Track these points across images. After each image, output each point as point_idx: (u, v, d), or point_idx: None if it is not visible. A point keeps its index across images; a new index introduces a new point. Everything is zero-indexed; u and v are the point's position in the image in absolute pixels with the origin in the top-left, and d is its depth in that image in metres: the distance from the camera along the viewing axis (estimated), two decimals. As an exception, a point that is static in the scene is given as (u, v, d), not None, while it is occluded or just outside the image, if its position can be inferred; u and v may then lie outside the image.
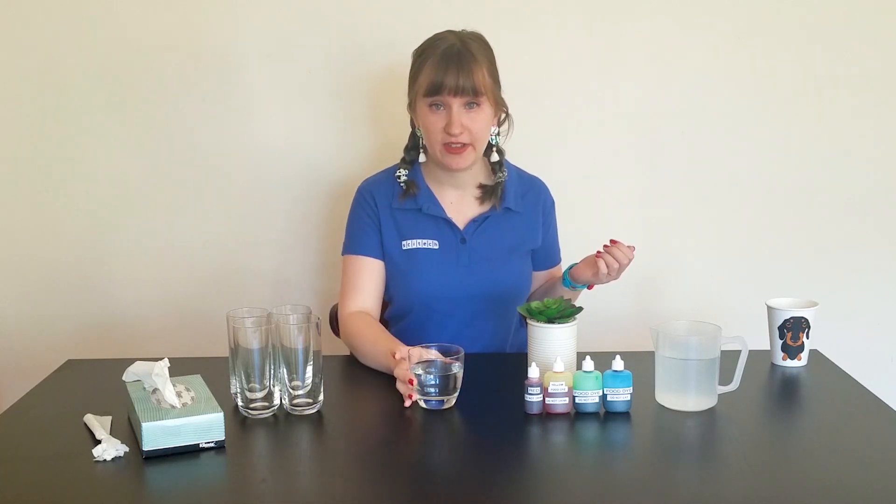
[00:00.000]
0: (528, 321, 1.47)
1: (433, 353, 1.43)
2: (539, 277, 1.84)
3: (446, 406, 1.39)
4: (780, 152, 2.16)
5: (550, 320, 1.45)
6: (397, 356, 1.43)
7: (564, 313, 1.46)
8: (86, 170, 2.15)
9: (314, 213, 2.17)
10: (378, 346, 1.56)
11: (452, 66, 1.58)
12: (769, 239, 2.20)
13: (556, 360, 1.37)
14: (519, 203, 1.75)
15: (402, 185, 1.71)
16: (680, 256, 2.21)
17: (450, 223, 1.71)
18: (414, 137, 1.74)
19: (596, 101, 2.13)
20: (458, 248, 1.71)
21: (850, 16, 2.09)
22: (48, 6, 2.06)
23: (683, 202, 2.19)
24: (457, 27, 1.67)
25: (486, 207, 1.73)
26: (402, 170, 1.73)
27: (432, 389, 1.38)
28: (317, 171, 2.16)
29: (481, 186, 1.73)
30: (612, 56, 2.11)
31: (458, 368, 1.39)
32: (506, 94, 1.70)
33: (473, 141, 1.62)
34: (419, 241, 1.70)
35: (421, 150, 1.72)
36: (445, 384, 1.38)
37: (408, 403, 1.39)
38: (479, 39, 1.66)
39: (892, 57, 2.12)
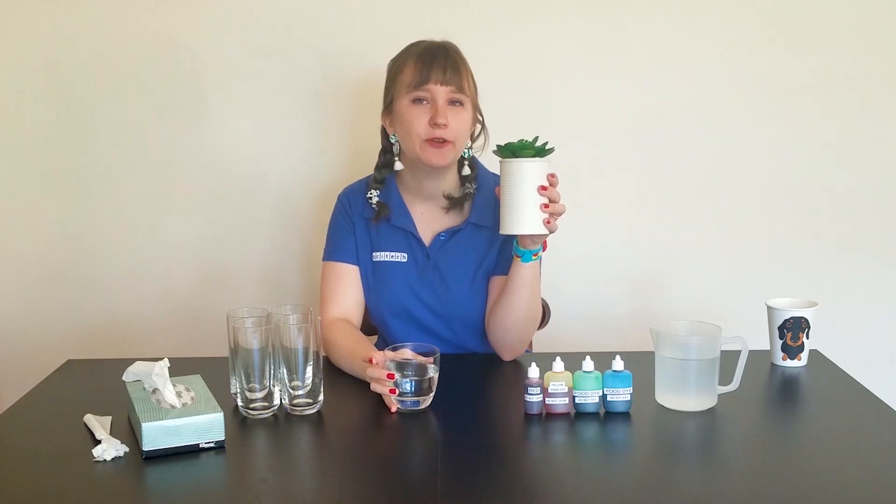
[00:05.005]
0: (500, 160, 1.46)
1: (408, 354, 1.41)
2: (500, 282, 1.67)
3: (422, 406, 1.38)
4: (781, 152, 2.16)
5: (515, 154, 1.44)
6: (373, 361, 1.40)
7: (536, 150, 1.44)
8: (85, 170, 2.15)
9: (315, 213, 2.17)
10: (354, 354, 1.53)
11: (438, 59, 1.59)
12: (769, 239, 2.20)
13: (556, 360, 1.37)
14: (488, 218, 1.66)
15: (373, 206, 1.69)
16: (680, 256, 2.21)
17: (417, 237, 1.69)
18: (384, 154, 1.70)
19: (596, 100, 2.13)
20: (424, 262, 1.68)
21: (849, 18, 2.09)
22: (50, 9, 2.06)
23: (683, 202, 2.19)
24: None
25: (451, 220, 1.69)
26: (373, 190, 1.70)
27: (408, 389, 1.37)
28: (317, 171, 2.16)
29: (448, 198, 1.69)
30: (612, 56, 2.11)
31: (433, 371, 1.38)
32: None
33: (454, 138, 1.60)
34: (388, 253, 1.68)
35: (396, 158, 1.67)
36: (420, 386, 1.37)
37: (394, 409, 1.37)
38: (457, 49, 1.65)
39: (890, 58, 2.12)
